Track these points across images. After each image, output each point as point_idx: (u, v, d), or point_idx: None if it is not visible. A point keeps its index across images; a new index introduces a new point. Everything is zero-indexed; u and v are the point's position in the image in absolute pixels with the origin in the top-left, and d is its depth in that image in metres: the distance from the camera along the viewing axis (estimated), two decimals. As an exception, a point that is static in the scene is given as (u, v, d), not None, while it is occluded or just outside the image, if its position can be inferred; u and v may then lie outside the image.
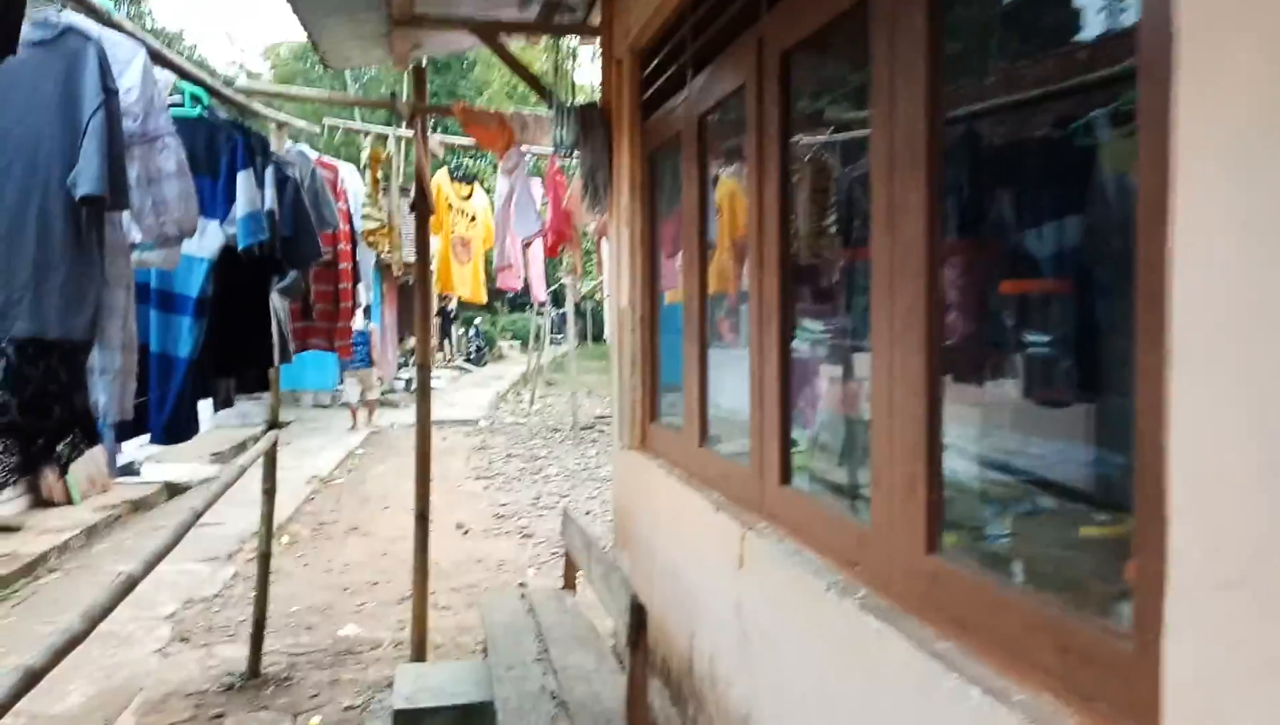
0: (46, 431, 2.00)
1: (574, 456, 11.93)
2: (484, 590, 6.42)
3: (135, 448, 10.17)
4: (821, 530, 2.15)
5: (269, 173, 3.16)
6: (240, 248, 2.79)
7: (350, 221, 4.55)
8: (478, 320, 24.39)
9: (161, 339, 2.75)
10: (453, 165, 6.42)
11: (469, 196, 5.70)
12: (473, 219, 5.76)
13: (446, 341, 21.13)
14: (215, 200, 2.80)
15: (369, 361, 13.73)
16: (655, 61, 3.37)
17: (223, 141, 2.86)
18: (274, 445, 4.36)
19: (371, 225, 4.09)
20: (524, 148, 4.13)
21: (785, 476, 2.37)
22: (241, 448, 11.44)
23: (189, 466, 9.73)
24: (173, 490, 9.10)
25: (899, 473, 1.76)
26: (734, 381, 3.09)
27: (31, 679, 1.92)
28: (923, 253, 1.65)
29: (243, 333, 3.13)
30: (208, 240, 2.79)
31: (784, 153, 2.34)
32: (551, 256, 5.26)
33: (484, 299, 6.17)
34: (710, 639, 2.72)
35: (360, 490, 9.72)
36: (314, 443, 12.08)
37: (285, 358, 4.21)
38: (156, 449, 10.89)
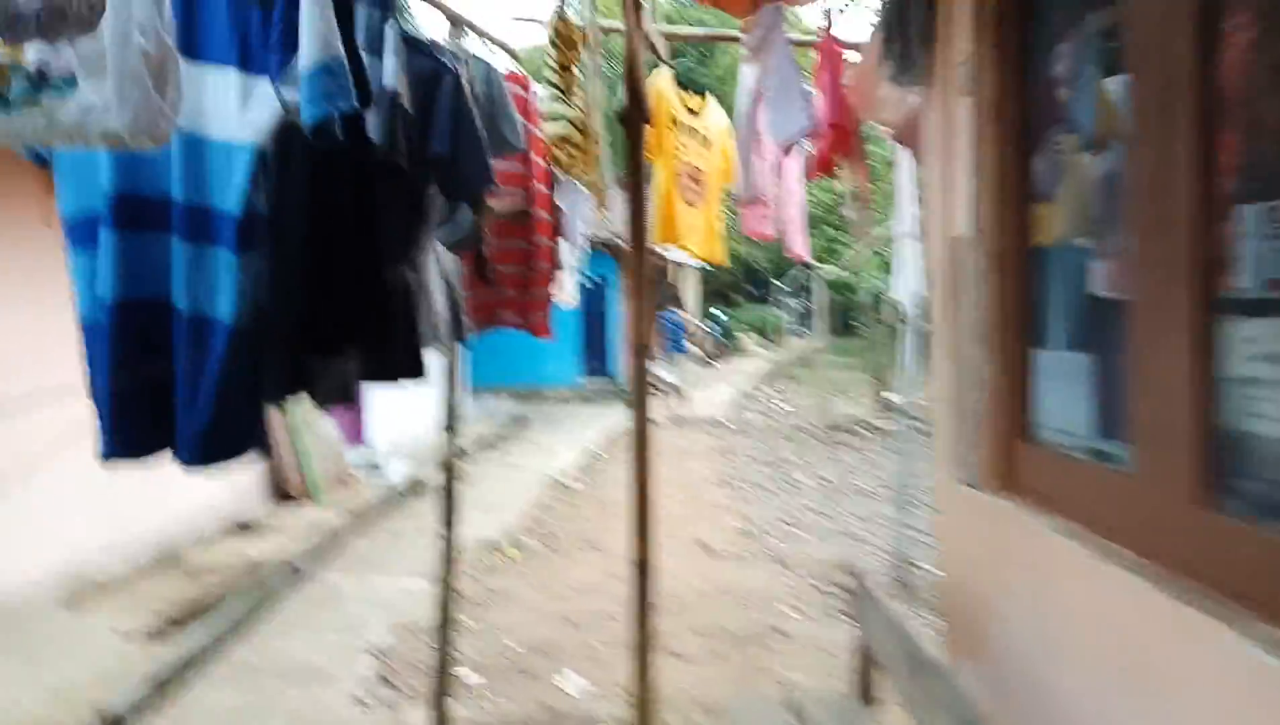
0: None
1: (828, 462, 10.20)
2: (731, 635, 4.98)
3: (384, 442, 9.73)
4: None
5: (389, 32, 1.86)
6: (306, 122, 1.49)
7: (548, 159, 3.24)
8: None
9: (191, 289, 1.52)
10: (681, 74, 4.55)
11: (701, 112, 3.95)
12: (706, 142, 3.92)
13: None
14: (265, 41, 1.52)
15: (683, 348, 13.89)
16: None
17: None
18: (457, 456, 3.15)
19: (558, 129, 2.66)
20: (780, 4, 2.58)
21: None
22: (486, 445, 10.85)
23: (430, 466, 9.12)
24: (415, 489, 8.47)
25: None
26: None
27: None
28: None
29: (359, 286, 1.84)
30: (252, 111, 1.52)
31: None
32: (824, 174, 3.18)
33: (723, 258, 4.19)
34: None
35: (598, 494, 8.65)
36: (553, 439, 11.27)
37: (458, 334, 2.98)
38: (404, 441, 10.40)
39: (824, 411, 12.07)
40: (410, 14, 2.28)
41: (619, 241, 12.44)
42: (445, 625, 3.30)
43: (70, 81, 1.11)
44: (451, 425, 3.17)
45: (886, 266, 15.45)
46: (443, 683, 3.34)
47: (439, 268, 2.89)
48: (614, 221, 13.00)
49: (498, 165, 3.34)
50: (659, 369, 17.19)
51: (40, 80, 1.11)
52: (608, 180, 2.82)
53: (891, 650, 2.09)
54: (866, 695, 2.37)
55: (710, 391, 15.41)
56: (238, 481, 6.97)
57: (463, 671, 4.38)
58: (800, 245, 4.09)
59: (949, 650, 2.17)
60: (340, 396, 1.98)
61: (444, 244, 2.71)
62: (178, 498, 6.18)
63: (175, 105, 1.25)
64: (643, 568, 2.63)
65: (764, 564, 6.37)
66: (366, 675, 4.33)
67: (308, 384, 1.86)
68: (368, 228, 1.77)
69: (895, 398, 14.08)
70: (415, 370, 2.33)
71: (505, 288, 3.39)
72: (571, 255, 3.67)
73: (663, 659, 4.66)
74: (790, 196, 3.97)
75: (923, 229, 3.07)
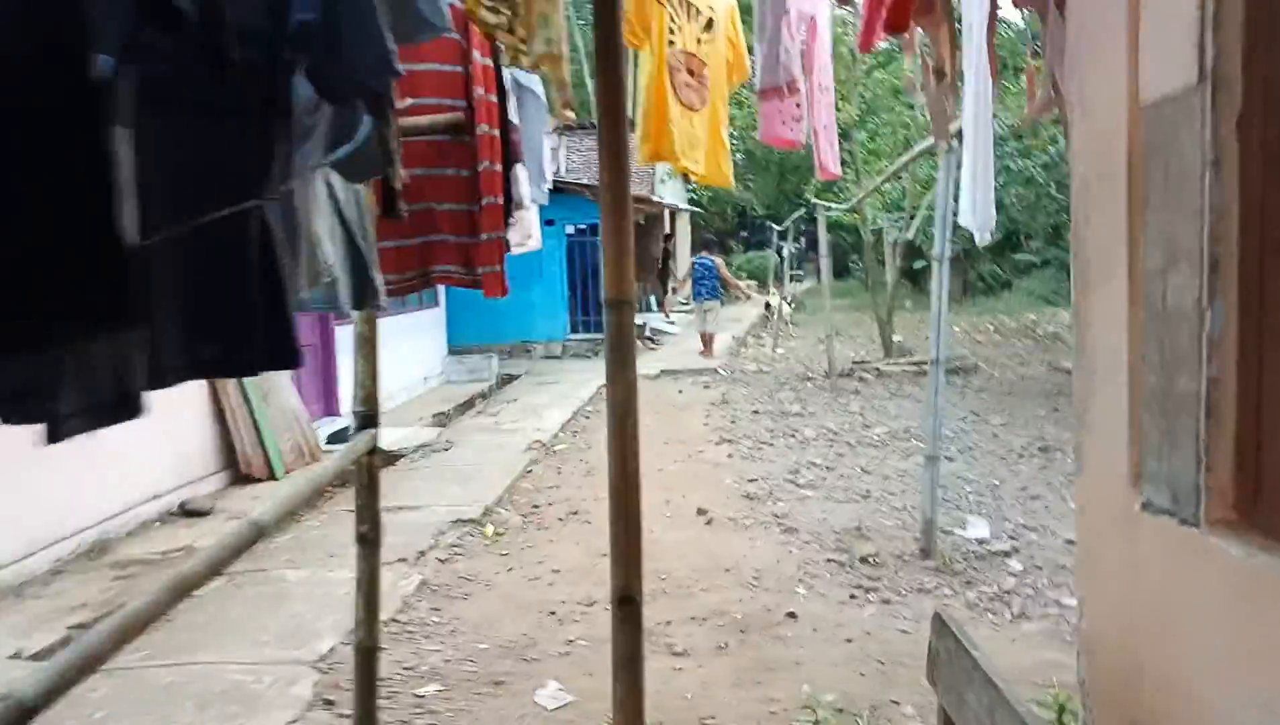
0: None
1: (834, 412, 9.51)
2: (736, 623, 4.32)
3: (349, 410, 9.01)
4: None
5: None
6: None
7: (495, 55, 2.45)
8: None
9: None
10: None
11: (702, -17, 2.93)
12: (708, 25, 2.91)
13: (672, 289, 19.02)
14: None
15: (716, 294, 13.03)
16: None
17: None
18: (371, 455, 2.41)
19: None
20: None
21: None
22: (468, 406, 10.13)
23: (406, 431, 8.41)
24: (387, 459, 7.76)
25: None
26: None
27: None
28: None
29: (129, 233, 1.05)
30: None
31: None
32: (891, 34, 2.19)
33: (729, 179, 3.26)
34: None
35: (586, 457, 7.95)
36: (540, 399, 10.55)
37: (365, 300, 2.21)
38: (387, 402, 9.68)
39: (826, 357, 11.37)
40: None
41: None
42: (366, 689, 2.58)
43: None
44: (371, 417, 2.41)
45: (887, 206, 14.61)
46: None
47: (332, 205, 2.13)
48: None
49: (421, 68, 2.53)
50: (654, 319, 16.48)
51: None
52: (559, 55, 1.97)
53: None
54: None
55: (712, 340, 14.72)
56: (184, 460, 6.25)
57: (420, 687, 3.73)
58: (831, 160, 3.19)
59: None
60: (113, 413, 1.21)
61: (339, 171, 1.94)
62: (114, 481, 5.46)
63: None
64: (627, 603, 1.91)
65: (770, 533, 5.70)
66: (305, 696, 3.65)
67: (44, 382, 1.10)
68: (145, 138, 0.99)
69: (902, 340, 13.40)
70: (283, 356, 1.55)
71: (440, 230, 2.60)
72: (530, 186, 2.88)
73: (657, 659, 4.01)
74: (822, 96, 3.06)
75: (1046, 106, 2.23)
